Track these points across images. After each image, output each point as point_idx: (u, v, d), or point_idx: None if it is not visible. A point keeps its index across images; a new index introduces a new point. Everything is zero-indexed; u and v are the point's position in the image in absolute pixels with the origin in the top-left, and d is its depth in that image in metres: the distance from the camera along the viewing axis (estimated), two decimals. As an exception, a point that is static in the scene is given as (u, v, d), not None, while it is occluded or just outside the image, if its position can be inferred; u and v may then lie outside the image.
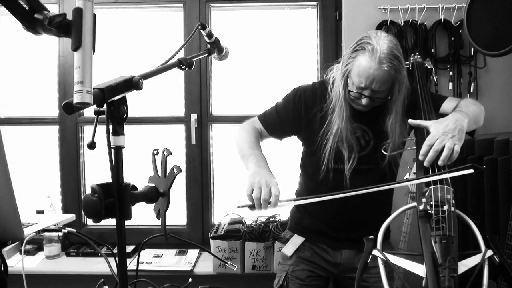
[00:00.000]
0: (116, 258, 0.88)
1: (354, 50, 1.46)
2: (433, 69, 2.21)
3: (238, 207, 1.37)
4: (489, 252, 1.11)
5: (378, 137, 1.56)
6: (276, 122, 1.64)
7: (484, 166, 1.26)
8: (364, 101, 1.48)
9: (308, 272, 1.68)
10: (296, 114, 1.62)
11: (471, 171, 1.24)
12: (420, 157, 1.34)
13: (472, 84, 2.25)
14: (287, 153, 2.26)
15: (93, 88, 0.76)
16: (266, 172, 1.39)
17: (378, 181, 1.55)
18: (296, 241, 1.71)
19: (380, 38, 1.43)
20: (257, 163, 1.43)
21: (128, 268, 0.90)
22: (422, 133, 1.42)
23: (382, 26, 2.24)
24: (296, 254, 1.69)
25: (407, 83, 1.51)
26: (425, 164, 1.33)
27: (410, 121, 1.46)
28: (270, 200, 1.32)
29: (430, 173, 1.31)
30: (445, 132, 1.32)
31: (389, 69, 1.41)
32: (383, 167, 1.57)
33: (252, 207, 1.34)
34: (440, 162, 1.30)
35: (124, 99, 0.87)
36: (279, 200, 1.33)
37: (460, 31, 2.22)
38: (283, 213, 2.42)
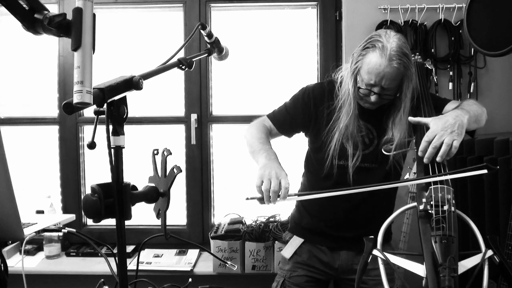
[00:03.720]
0: (116, 258, 0.88)
1: (364, 48, 1.48)
2: (433, 69, 2.21)
3: (247, 198, 1.35)
4: (489, 252, 1.11)
5: (382, 137, 1.57)
6: (286, 119, 1.66)
7: (498, 167, 1.25)
8: (373, 98, 1.49)
9: (306, 277, 1.68)
10: (305, 111, 1.64)
11: (484, 171, 1.23)
12: (420, 153, 1.35)
13: (472, 84, 2.25)
14: (290, 152, 2.26)
15: (93, 88, 0.76)
16: (276, 165, 1.39)
17: (381, 180, 1.56)
18: (295, 243, 1.71)
19: (390, 36, 1.45)
20: (267, 156, 1.44)
21: (128, 268, 0.90)
22: (422, 132, 1.43)
23: (382, 26, 2.24)
24: (294, 259, 1.70)
25: (415, 80, 1.53)
26: (425, 160, 1.33)
27: (410, 118, 1.47)
28: (279, 193, 1.32)
29: (430, 172, 1.31)
30: (444, 127, 1.33)
31: (399, 66, 1.43)
32: (387, 167, 1.58)
33: (261, 199, 1.33)
34: (438, 159, 1.30)
35: (124, 99, 0.87)
36: (289, 193, 1.32)
37: (460, 31, 2.23)
38: (283, 213, 2.42)
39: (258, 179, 1.34)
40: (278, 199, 1.32)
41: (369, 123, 1.59)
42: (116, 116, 0.86)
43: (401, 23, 2.24)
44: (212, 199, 2.63)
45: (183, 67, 1.11)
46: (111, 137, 0.85)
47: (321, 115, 1.62)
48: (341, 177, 1.57)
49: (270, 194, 1.31)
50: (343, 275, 1.68)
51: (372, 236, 1.21)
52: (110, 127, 0.85)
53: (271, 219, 2.40)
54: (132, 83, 0.87)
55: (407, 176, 1.96)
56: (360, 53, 1.49)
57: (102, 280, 1.31)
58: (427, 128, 1.38)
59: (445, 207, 1.16)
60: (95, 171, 2.65)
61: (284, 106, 1.69)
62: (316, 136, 1.64)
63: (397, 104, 1.53)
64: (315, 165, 1.66)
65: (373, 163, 1.59)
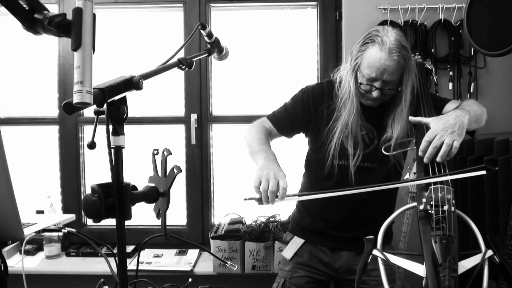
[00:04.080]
0: (116, 258, 0.88)
1: (363, 44, 1.49)
2: (433, 69, 2.21)
3: (245, 199, 1.36)
4: (489, 252, 1.11)
5: (382, 136, 1.57)
6: (286, 120, 1.66)
7: (497, 168, 1.25)
8: (375, 93, 1.49)
9: (306, 278, 1.67)
10: (305, 111, 1.64)
11: (483, 172, 1.23)
12: (420, 153, 1.35)
13: (472, 84, 2.25)
14: (291, 153, 2.27)
15: (93, 88, 0.76)
16: (274, 165, 1.39)
17: (382, 180, 1.56)
18: (296, 243, 1.70)
19: (387, 31, 1.47)
20: (266, 157, 1.44)
21: (128, 268, 0.90)
22: (422, 131, 1.43)
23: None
24: (294, 260, 1.69)
25: (415, 73, 1.53)
26: (425, 160, 1.33)
27: (411, 118, 1.47)
28: (277, 194, 1.32)
29: (430, 172, 1.31)
30: (445, 127, 1.33)
31: (399, 59, 1.43)
32: (389, 167, 1.58)
33: (259, 200, 1.33)
34: (438, 159, 1.30)
35: (124, 99, 0.87)
36: (287, 193, 1.32)
37: (460, 31, 2.23)
38: (283, 213, 2.42)
39: (256, 180, 1.34)
40: (276, 199, 1.32)
41: (369, 122, 1.59)
42: (116, 116, 0.85)
43: (401, 23, 2.24)
44: (212, 199, 2.63)
45: (183, 67, 1.11)
46: (111, 137, 0.85)
47: (320, 115, 1.62)
48: (342, 177, 1.57)
49: (268, 195, 1.31)
50: (343, 276, 1.67)
51: (372, 236, 1.21)
52: (110, 127, 0.85)
53: (271, 219, 2.40)
54: (132, 83, 0.87)
55: (407, 176, 1.96)
56: (359, 49, 1.49)
57: (102, 280, 1.31)
58: (427, 128, 1.38)
59: (445, 207, 1.16)
60: (95, 171, 2.65)
61: (283, 107, 1.69)
62: (316, 136, 1.64)
63: (398, 99, 1.53)
64: (315, 165, 1.66)
65: (374, 162, 1.59)
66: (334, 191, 1.36)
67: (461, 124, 1.35)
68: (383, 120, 1.58)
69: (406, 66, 1.47)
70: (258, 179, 1.34)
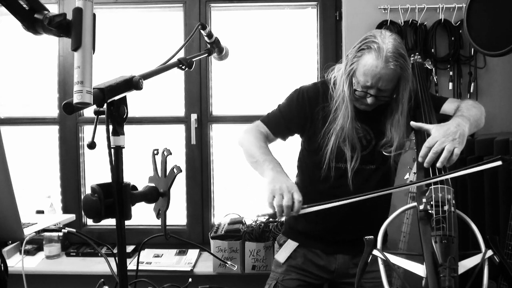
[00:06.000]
0: (116, 258, 0.88)
1: (359, 49, 1.45)
2: (433, 69, 2.21)
3: (258, 216, 1.35)
4: (489, 252, 1.11)
5: (379, 138, 1.56)
6: (281, 123, 1.63)
7: None
8: (369, 100, 1.47)
9: (298, 281, 1.65)
10: (300, 113, 1.61)
11: (499, 163, 1.21)
12: (420, 159, 1.33)
13: (472, 84, 2.25)
14: (286, 154, 2.26)
15: (93, 88, 0.76)
16: (285, 178, 1.37)
17: (380, 180, 1.55)
18: (290, 247, 1.68)
19: (385, 37, 1.43)
20: (274, 168, 1.41)
21: (128, 268, 0.90)
22: (422, 135, 1.42)
23: (382, 26, 2.24)
24: (288, 262, 1.67)
25: (412, 81, 1.51)
26: (425, 165, 1.32)
27: (412, 123, 1.45)
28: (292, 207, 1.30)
29: (431, 173, 1.31)
30: (446, 134, 1.32)
31: (395, 68, 1.40)
32: (386, 168, 1.57)
33: (273, 215, 1.31)
34: (438, 164, 1.29)
35: (124, 99, 0.87)
36: (302, 206, 1.30)
37: (460, 31, 2.23)
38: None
39: (269, 195, 1.31)
40: (292, 212, 1.29)
41: (366, 124, 1.57)
42: (116, 116, 0.85)
43: (401, 23, 2.24)
44: (212, 199, 2.63)
45: (183, 67, 1.11)
46: (111, 137, 0.85)
47: (316, 116, 1.59)
48: (339, 180, 1.55)
49: (284, 209, 1.29)
50: (339, 279, 1.65)
51: (372, 237, 1.21)
52: (110, 127, 0.85)
53: (271, 219, 2.40)
54: (132, 83, 0.87)
55: (407, 176, 1.96)
56: (355, 54, 1.46)
57: (102, 280, 1.31)
58: (428, 135, 1.37)
59: (445, 207, 1.16)
60: (95, 171, 2.65)
61: (278, 110, 1.65)
62: (312, 138, 1.61)
63: (394, 106, 1.51)
64: (311, 167, 1.63)
65: (372, 164, 1.58)
66: (346, 199, 1.32)
67: (462, 132, 1.33)
68: (380, 122, 1.56)
69: (402, 75, 1.44)
70: (271, 194, 1.31)
